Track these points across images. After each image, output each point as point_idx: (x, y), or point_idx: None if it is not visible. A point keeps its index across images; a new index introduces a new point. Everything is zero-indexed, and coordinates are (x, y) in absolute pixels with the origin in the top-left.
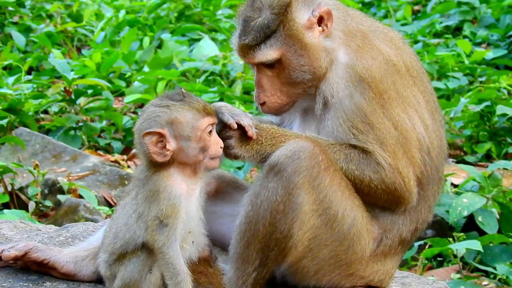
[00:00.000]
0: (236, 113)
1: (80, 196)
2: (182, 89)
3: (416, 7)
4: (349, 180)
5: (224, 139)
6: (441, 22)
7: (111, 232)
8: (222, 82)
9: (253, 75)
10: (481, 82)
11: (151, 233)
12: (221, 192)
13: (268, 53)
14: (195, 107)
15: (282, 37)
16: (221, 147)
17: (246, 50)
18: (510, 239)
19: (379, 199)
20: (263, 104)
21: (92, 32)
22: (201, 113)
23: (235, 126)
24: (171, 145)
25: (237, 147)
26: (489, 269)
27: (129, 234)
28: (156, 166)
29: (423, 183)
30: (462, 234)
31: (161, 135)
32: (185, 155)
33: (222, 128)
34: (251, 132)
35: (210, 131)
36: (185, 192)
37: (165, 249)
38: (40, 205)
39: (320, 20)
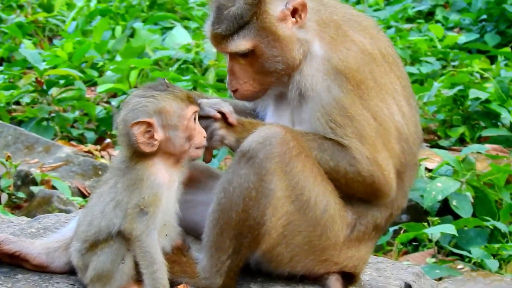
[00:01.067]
0: (215, 102)
1: (54, 187)
2: (165, 80)
3: None
4: (325, 171)
5: (207, 128)
6: (413, 7)
7: (86, 220)
8: (195, 70)
9: (226, 62)
10: (454, 66)
11: (130, 221)
12: (194, 181)
13: (241, 43)
14: (179, 96)
15: (256, 28)
16: (204, 137)
17: (219, 39)
18: (484, 222)
19: (357, 191)
20: (235, 91)
21: (64, 22)
22: (185, 102)
23: (219, 115)
24: (159, 134)
25: (222, 130)
26: (464, 252)
27: (104, 222)
28: (140, 156)
29: (401, 172)
30: (436, 218)
31: (149, 125)
32: (172, 144)
33: (203, 120)
34: (232, 118)
35: (194, 120)
36: (167, 182)
37: (143, 237)
38: (13, 197)
39: (294, 12)
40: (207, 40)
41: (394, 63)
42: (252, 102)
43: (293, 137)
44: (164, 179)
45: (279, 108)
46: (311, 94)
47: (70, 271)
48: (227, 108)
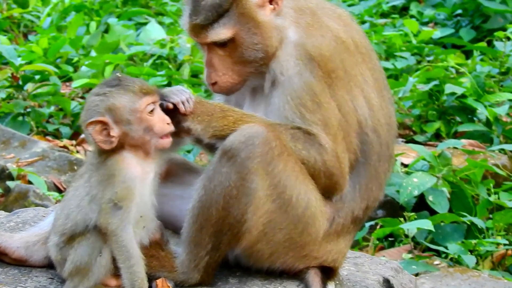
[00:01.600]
0: (171, 91)
1: (30, 182)
2: (117, 73)
3: None
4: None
5: (175, 121)
6: (387, 2)
7: (63, 213)
8: (170, 66)
9: (203, 55)
10: (429, 61)
11: (104, 216)
12: (171, 174)
13: (221, 32)
14: (131, 90)
15: (236, 16)
16: (167, 124)
17: (198, 30)
18: (461, 218)
19: (319, 183)
20: (214, 84)
21: (39, 18)
22: (137, 95)
23: (171, 106)
24: (115, 131)
25: (188, 120)
26: (441, 248)
27: (80, 215)
28: (107, 152)
29: (369, 158)
30: (413, 214)
31: (103, 123)
32: (131, 138)
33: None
34: (182, 108)
35: (152, 110)
36: (140, 175)
37: (119, 231)
38: None
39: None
40: (185, 33)
41: (367, 54)
42: (229, 95)
43: (275, 137)
44: (137, 172)
45: (255, 101)
46: (282, 79)
47: (49, 265)
48: (178, 98)
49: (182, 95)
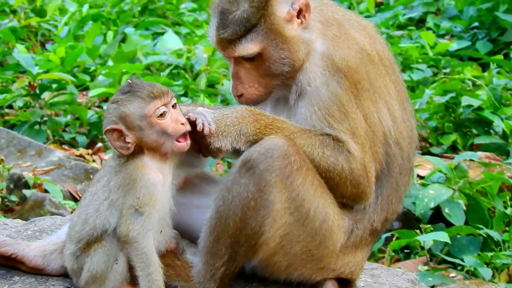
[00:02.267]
0: (196, 112)
1: (46, 191)
2: (129, 80)
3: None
4: (322, 168)
5: (204, 144)
6: (404, 14)
7: (80, 219)
8: (187, 76)
9: (229, 66)
10: (445, 73)
11: (125, 222)
12: (189, 184)
13: (249, 47)
14: (139, 96)
15: (263, 31)
16: (182, 124)
17: (225, 43)
18: (477, 230)
19: (345, 191)
20: (240, 96)
21: (56, 27)
22: (146, 100)
23: (193, 118)
24: (130, 137)
25: (214, 141)
26: (457, 260)
27: (99, 220)
28: (127, 156)
29: (392, 169)
30: (429, 225)
31: (119, 131)
32: (146, 142)
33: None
34: (206, 130)
35: (163, 113)
36: (161, 181)
37: (140, 238)
38: (6, 200)
39: (299, 12)
40: (211, 44)
41: (390, 66)
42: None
43: (295, 151)
44: (158, 177)
45: (276, 110)
46: (309, 89)
47: (66, 274)
48: (201, 118)
49: (200, 117)
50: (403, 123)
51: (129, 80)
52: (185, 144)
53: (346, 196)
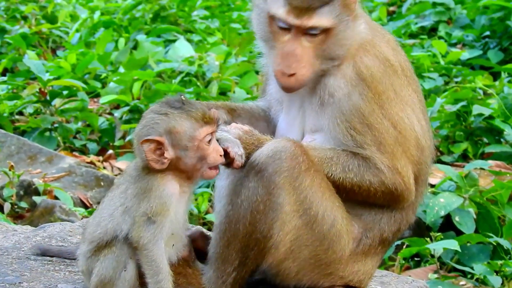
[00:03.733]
0: (228, 141)
1: (56, 198)
2: (182, 96)
3: (391, 8)
4: (346, 187)
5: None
6: (416, 23)
7: (95, 221)
8: (198, 83)
9: (281, 42)
10: (456, 82)
11: (137, 229)
12: None
13: (323, 19)
14: (194, 116)
15: (339, 6)
16: (220, 155)
17: (302, 11)
18: (487, 239)
19: (378, 200)
20: (291, 75)
21: (67, 33)
22: (199, 123)
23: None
24: (169, 153)
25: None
26: (467, 269)
27: (112, 224)
28: (152, 169)
29: (417, 182)
30: (439, 234)
31: (159, 143)
32: (183, 163)
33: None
34: (238, 163)
35: (210, 140)
36: (177, 193)
37: (150, 246)
38: (16, 206)
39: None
40: (278, 13)
41: (411, 77)
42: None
43: (302, 152)
44: (174, 190)
45: (289, 115)
46: (331, 100)
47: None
48: (235, 151)
49: (234, 149)
50: (427, 132)
51: (182, 96)
52: (216, 173)
53: (381, 202)
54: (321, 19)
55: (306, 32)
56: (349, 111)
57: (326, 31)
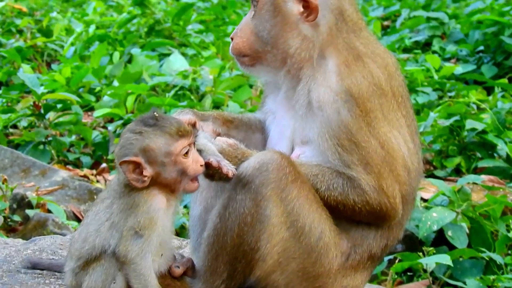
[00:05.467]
0: (213, 153)
1: (49, 211)
2: (155, 112)
3: (385, 23)
4: (331, 205)
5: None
6: (410, 38)
7: (81, 237)
8: (192, 97)
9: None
10: (450, 97)
11: (124, 243)
12: None
13: None
14: (167, 132)
15: None
16: (201, 165)
17: None
18: (480, 253)
19: (364, 218)
20: (232, 39)
21: (62, 47)
22: (174, 137)
23: (215, 164)
24: (148, 171)
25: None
26: (459, 283)
27: (99, 240)
28: (135, 187)
29: (403, 201)
30: (432, 248)
31: (136, 163)
32: (164, 178)
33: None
34: (226, 170)
35: (187, 152)
36: (164, 207)
37: (138, 260)
38: (9, 219)
39: (306, 7)
40: None
41: (402, 103)
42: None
43: (289, 163)
44: (161, 204)
45: (280, 126)
46: (320, 114)
47: None
48: (223, 163)
49: (222, 161)
50: (414, 155)
51: (155, 113)
52: (197, 185)
53: (366, 220)
54: None
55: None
56: (338, 127)
57: (258, 3)
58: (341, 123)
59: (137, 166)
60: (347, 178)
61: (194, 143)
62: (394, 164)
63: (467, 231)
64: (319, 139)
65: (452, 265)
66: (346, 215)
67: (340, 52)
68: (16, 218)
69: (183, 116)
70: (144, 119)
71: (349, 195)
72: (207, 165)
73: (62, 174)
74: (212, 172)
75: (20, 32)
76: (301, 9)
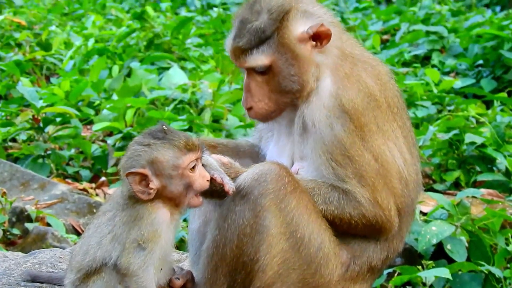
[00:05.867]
0: (219, 172)
1: (48, 224)
2: (164, 126)
3: (385, 37)
4: (328, 219)
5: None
6: (409, 51)
7: (82, 250)
8: (191, 111)
9: (243, 78)
10: (449, 110)
11: (127, 255)
12: None
13: (259, 58)
14: (176, 145)
15: (275, 44)
16: (207, 180)
17: (238, 53)
18: (479, 267)
19: (360, 231)
20: (250, 109)
21: (61, 60)
22: (182, 151)
23: (219, 180)
24: (154, 183)
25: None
26: None
27: (100, 252)
28: (139, 199)
29: (401, 213)
30: (431, 262)
31: (143, 175)
32: (169, 191)
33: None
34: (228, 188)
35: (194, 167)
36: (168, 220)
37: (140, 272)
38: (8, 233)
39: (316, 36)
40: (228, 54)
41: (397, 113)
42: (264, 122)
43: (287, 173)
44: (165, 217)
45: (279, 143)
46: (314, 130)
47: None
48: (226, 179)
49: (225, 178)
50: (411, 166)
51: (163, 126)
52: (202, 201)
53: (363, 234)
54: (255, 59)
55: (253, 69)
56: (331, 142)
57: (270, 68)
58: (335, 138)
59: (144, 178)
60: (342, 191)
61: (201, 158)
62: (389, 176)
63: (466, 244)
64: (313, 155)
65: (451, 278)
66: (343, 229)
67: (337, 65)
68: (16, 231)
69: None
70: (152, 132)
71: (345, 208)
72: (210, 181)
73: (61, 187)
74: (211, 188)
75: (19, 45)
76: (313, 43)
